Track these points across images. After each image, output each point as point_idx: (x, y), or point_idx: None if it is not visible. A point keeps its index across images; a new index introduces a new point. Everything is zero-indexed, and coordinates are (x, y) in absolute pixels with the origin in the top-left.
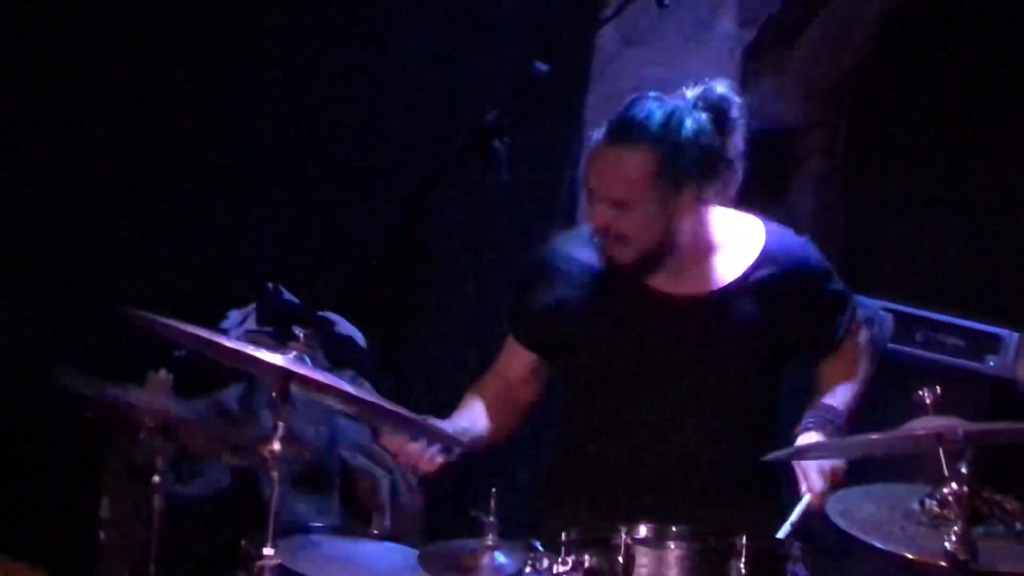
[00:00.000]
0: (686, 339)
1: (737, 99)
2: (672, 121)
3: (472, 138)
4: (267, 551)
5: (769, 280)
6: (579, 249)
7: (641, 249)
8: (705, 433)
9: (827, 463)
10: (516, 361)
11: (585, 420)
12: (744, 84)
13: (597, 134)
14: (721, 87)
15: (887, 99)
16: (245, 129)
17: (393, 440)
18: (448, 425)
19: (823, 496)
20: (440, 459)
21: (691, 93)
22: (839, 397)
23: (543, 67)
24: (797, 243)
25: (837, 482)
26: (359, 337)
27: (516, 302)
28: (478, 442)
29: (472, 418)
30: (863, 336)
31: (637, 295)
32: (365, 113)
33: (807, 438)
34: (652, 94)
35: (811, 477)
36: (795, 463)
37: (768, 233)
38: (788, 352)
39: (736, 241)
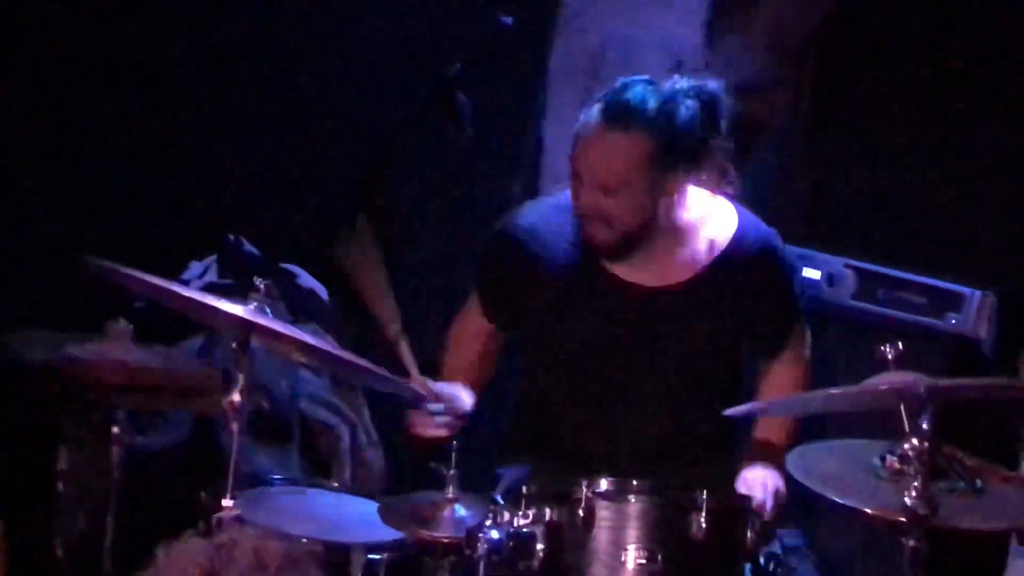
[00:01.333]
0: (648, 330)
1: (728, 100)
2: (666, 107)
3: (435, 91)
4: (226, 503)
5: (735, 271)
6: (547, 224)
7: (624, 232)
8: (665, 410)
9: (772, 485)
10: (478, 320)
11: (543, 390)
12: (709, 41)
13: (587, 116)
14: (714, 85)
15: (852, 57)
16: (208, 82)
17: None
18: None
19: (774, 513)
20: (444, 430)
21: (683, 83)
22: (779, 431)
23: (508, 20)
24: (767, 233)
25: (781, 504)
26: (321, 290)
27: (480, 272)
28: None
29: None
30: (808, 342)
31: (602, 283)
32: (328, 65)
33: (753, 471)
34: (644, 78)
35: (757, 492)
36: (743, 483)
37: (740, 224)
38: (742, 340)
39: (706, 227)
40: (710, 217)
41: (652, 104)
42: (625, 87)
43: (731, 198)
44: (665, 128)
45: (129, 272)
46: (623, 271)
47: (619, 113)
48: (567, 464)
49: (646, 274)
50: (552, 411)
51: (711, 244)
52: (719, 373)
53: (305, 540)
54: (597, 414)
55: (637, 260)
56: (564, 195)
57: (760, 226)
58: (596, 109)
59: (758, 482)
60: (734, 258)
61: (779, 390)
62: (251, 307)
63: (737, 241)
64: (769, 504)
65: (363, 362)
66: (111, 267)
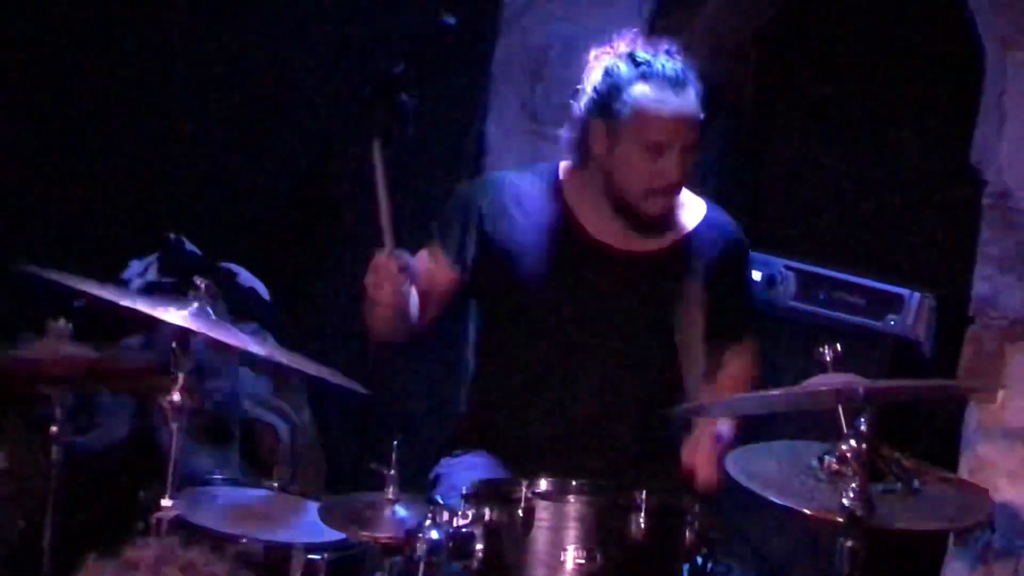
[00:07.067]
0: (622, 292)
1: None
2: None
3: (378, 91)
4: (165, 503)
5: (707, 247)
6: (532, 190)
7: (679, 193)
8: (624, 382)
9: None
10: (438, 272)
11: (509, 358)
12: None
13: (650, 89)
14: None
15: (794, 58)
16: (150, 79)
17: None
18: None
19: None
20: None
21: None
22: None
23: (451, 20)
24: (731, 220)
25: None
26: (262, 289)
27: (459, 218)
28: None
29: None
30: (753, 352)
31: (580, 245)
32: (270, 64)
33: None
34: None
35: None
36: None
37: (708, 206)
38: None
39: (679, 205)
40: (681, 198)
41: (686, 62)
42: (656, 58)
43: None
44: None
45: (66, 280)
46: (604, 236)
47: (678, 77)
48: (517, 451)
49: (628, 241)
50: (504, 394)
51: (687, 218)
52: (668, 358)
53: (244, 540)
54: (550, 391)
55: (618, 228)
56: (540, 165)
57: (727, 214)
58: (654, 83)
59: (703, 450)
60: (706, 233)
61: (730, 374)
62: (194, 308)
63: (709, 219)
64: (704, 478)
65: (304, 365)
66: (47, 273)
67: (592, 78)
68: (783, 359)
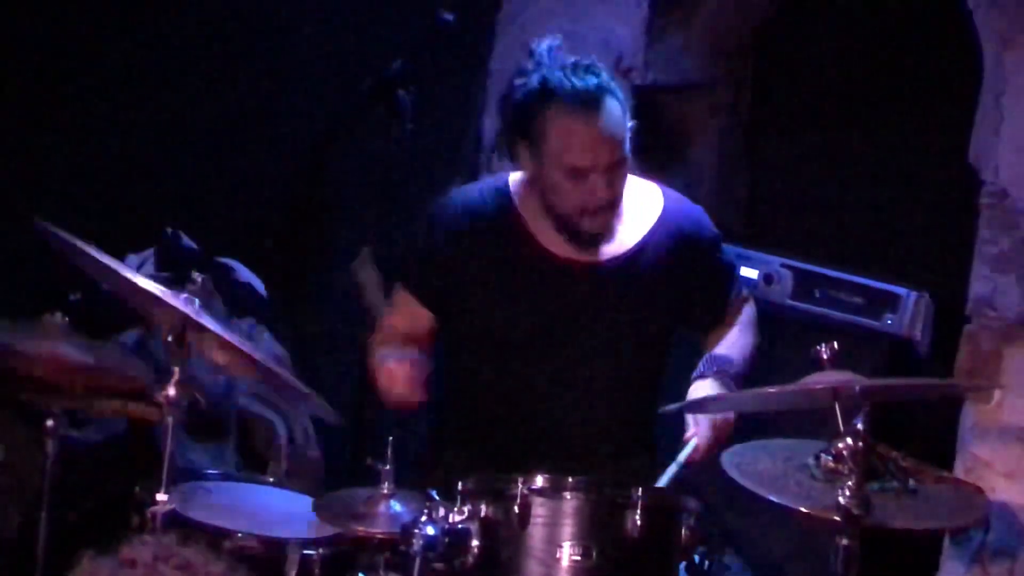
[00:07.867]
0: (583, 305)
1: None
2: (610, 76)
3: (377, 87)
4: (161, 497)
5: (665, 248)
6: (477, 206)
7: (618, 206)
8: (594, 394)
9: (718, 416)
10: (415, 316)
11: (475, 381)
12: (650, 38)
13: (562, 115)
14: None
15: (791, 56)
16: (147, 73)
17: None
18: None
19: (708, 448)
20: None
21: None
22: (733, 349)
23: (449, 16)
24: (693, 211)
25: (723, 437)
26: (259, 284)
27: (413, 254)
28: None
29: None
30: (749, 308)
31: (537, 259)
32: (270, 58)
33: (700, 386)
34: (577, 61)
35: (701, 424)
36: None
37: (665, 199)
38: (678, 318)
39: (634, 206)
40: (637, 196)
41: (603, 76)
42: (574, 74)
43: (657, 181)
44: (619, 90)
45: (77, 243)
46: (557, 248)
47: (592, 95)
48: (496, 455)
49: (579, 250)
50: (482, 401)
51: (640, 221)
52: (648, 355)
53: (240, 535)
54: (528, 398)
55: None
56: (489, 181)
57: (686, 203)
58: (566, 107)
59: (703, 416)
60: (663, 233)
61: (725, 334)
62: (183, 297)
63: (665, 217)
64: (704, 440)
65: (287, 377)
66: (62, 235)
67: (512, 96)
68: (780, 357)
